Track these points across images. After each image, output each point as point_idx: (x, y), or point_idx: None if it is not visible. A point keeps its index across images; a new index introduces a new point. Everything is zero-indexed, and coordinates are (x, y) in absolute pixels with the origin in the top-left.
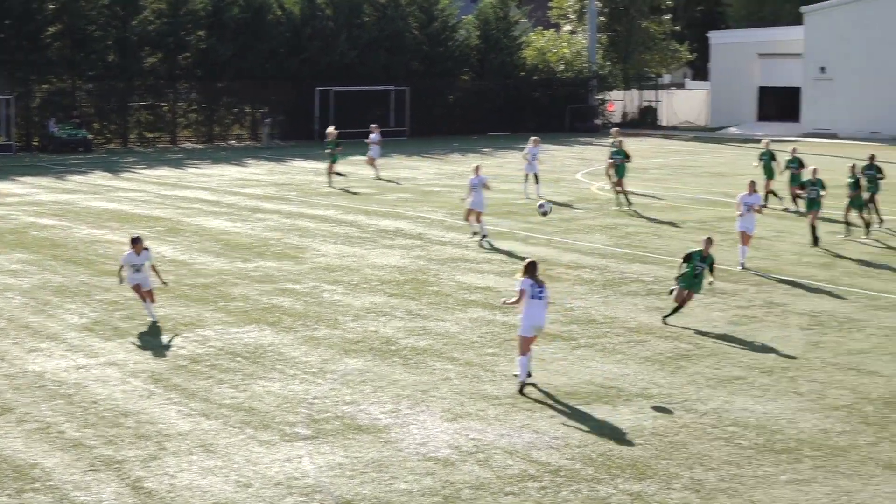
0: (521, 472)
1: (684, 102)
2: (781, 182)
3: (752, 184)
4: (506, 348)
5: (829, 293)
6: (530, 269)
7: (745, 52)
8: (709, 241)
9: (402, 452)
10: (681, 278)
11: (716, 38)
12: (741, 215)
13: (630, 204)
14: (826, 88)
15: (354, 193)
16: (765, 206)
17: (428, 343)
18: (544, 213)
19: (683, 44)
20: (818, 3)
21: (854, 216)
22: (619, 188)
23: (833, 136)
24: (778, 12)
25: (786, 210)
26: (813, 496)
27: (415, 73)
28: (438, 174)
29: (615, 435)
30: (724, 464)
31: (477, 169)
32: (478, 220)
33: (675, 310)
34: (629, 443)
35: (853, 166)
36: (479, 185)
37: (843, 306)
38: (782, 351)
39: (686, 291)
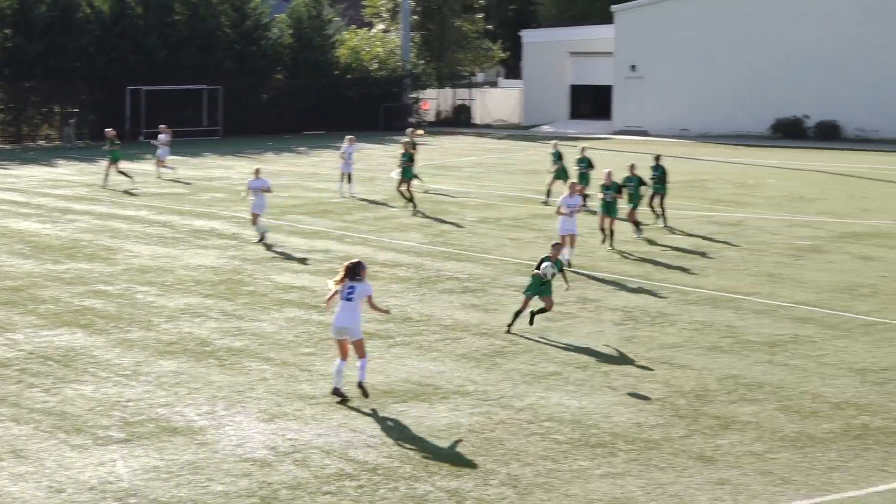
0: (338, 471)
1: (498, 101)
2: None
3: (573, 185)
4: (322, 347)
5: (642, 288)
6: (348, 271)
7: (556, 51)
8: (557, 246)
9: (218, 454)
10: (530, 287)
11: (528, 36)
12: (567, 216)
13: (406, 207)
14: (636, 87)
15: (134, 195)
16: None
17: (243, 343)
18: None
19: (496, 42)
20: (628, 3)
21: (636, 214)
22: (403, 190)
23: (644, 133)
24: (589, 11)
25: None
26: (628, 489)
27: (228, 72)
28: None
29: (432, 432)
30: (540, 459)
31: (257, 172)
32: (254, 223)
33: (517, 315)
34: (446, 440)
35: (632, 166)
36: (258, 189)
37: (655, 301)
38: (596, 346)
39: (529, 299)
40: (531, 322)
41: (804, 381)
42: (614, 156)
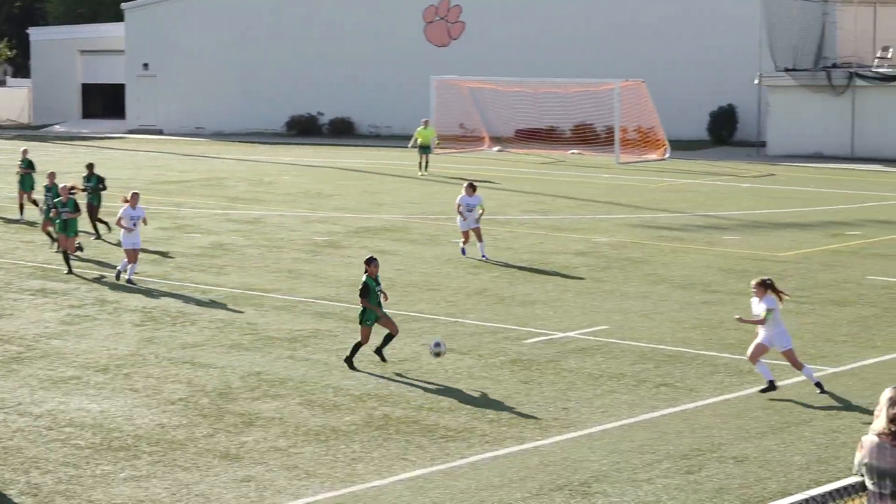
0: None
1: (5, 100)
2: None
3: (135, 196)
4: None
5: (161, 288)
6: None
7: (66, 49)
8: (371, 261)
9: None
10: (368, 314)
11: (36, 34)
12: (129, 231)
13: None
14: (150, 85)
15: None
16: None
17: None
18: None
19: (2, 41)
20: (138, 0)
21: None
22: None
23: (159, 132)
24: (98, 9)
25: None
26: (152, 491)
27: None
28: None
29: None
30: (61, 465)
31: None
32: None
33: (356, 348)
34: None
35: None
36: None
37: (175, 301)
38: (117, 348)
39: (370, 328)
40: (382, 358)
41: (326, 375)
42: (126, 154)
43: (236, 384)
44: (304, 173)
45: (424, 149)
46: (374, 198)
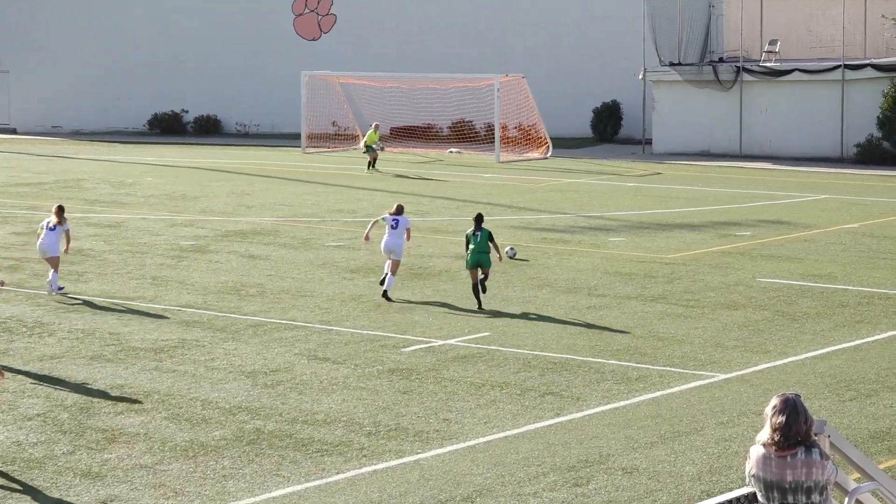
0: None
1: None
2: None
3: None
4: None
5: (17, 297)
6: None
7: None
8: None
9: None
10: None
11: None
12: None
13: None
14: (1, 81)
15: None
16: None
17: None
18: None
19: None
20: None
21: None
22: None
23: (13, 131)
24: None
25: None
26: None
27: None
28: None
29: None
30: None
31: None
32: None
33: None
34: None
35: None
36: None
37: (32, 310)
38: None
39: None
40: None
41: (194, 387)
42: None
43: (98, 398)
44: (167, 174)
45: (371, 149)
46: (242, 199)
